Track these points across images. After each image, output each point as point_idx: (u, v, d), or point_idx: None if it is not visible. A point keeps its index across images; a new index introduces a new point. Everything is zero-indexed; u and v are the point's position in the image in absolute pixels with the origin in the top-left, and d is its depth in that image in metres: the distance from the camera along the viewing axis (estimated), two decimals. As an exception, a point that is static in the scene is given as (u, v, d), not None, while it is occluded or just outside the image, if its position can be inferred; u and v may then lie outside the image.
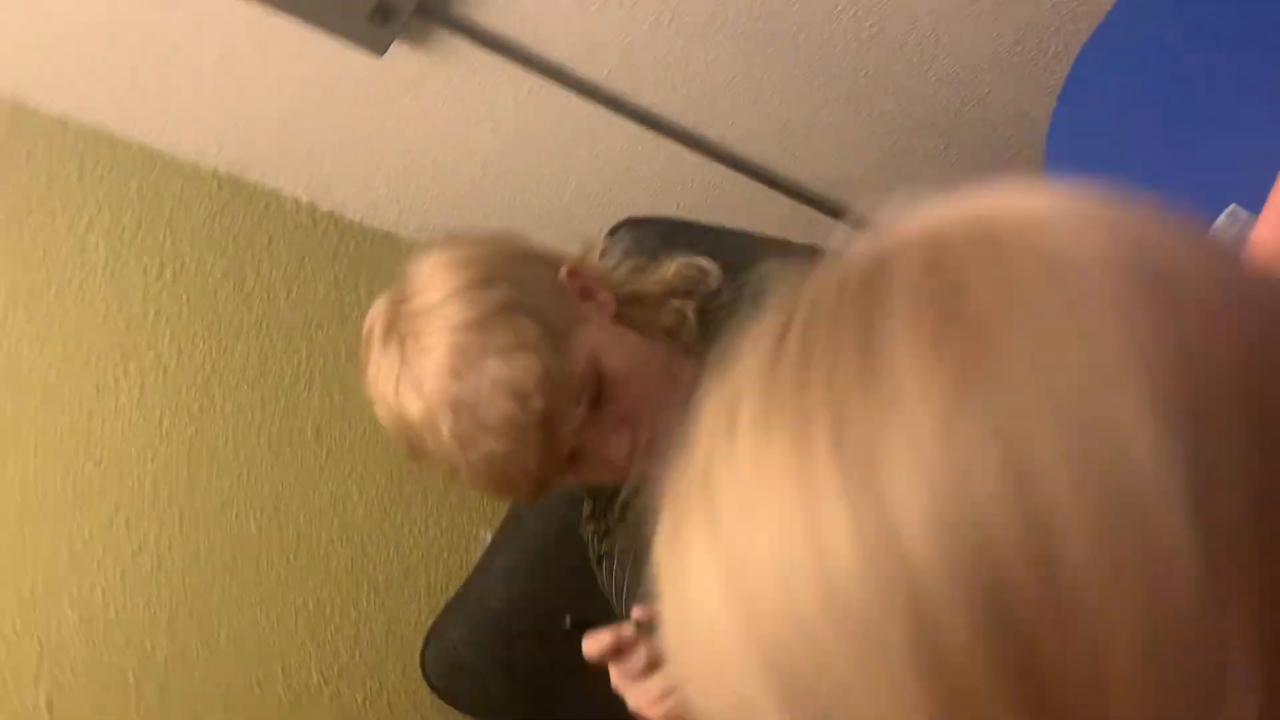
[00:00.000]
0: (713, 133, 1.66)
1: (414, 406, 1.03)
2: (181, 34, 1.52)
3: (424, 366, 1.03)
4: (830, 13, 1.53)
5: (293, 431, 1.69)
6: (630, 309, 1.15)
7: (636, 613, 1.04)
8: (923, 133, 1.71)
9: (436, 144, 1.66)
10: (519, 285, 1.07)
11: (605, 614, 1.54)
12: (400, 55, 1.52)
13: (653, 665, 1.02)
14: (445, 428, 1.02)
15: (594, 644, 1.04)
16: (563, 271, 1.12)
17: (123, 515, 1.57)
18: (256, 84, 1.60)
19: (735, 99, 1.62)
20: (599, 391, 1.06)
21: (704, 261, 1.26)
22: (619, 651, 1.04)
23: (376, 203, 1.77)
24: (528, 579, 1.55)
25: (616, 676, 1.05)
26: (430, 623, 1.63)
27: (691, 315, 1.20)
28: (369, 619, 1.69)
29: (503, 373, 1.02)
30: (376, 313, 1.09)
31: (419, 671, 1.61)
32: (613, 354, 1.08)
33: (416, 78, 1.56)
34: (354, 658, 1.67)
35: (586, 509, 1.29)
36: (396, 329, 1.06)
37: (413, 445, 1.07)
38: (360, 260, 1.79)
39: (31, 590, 1.49)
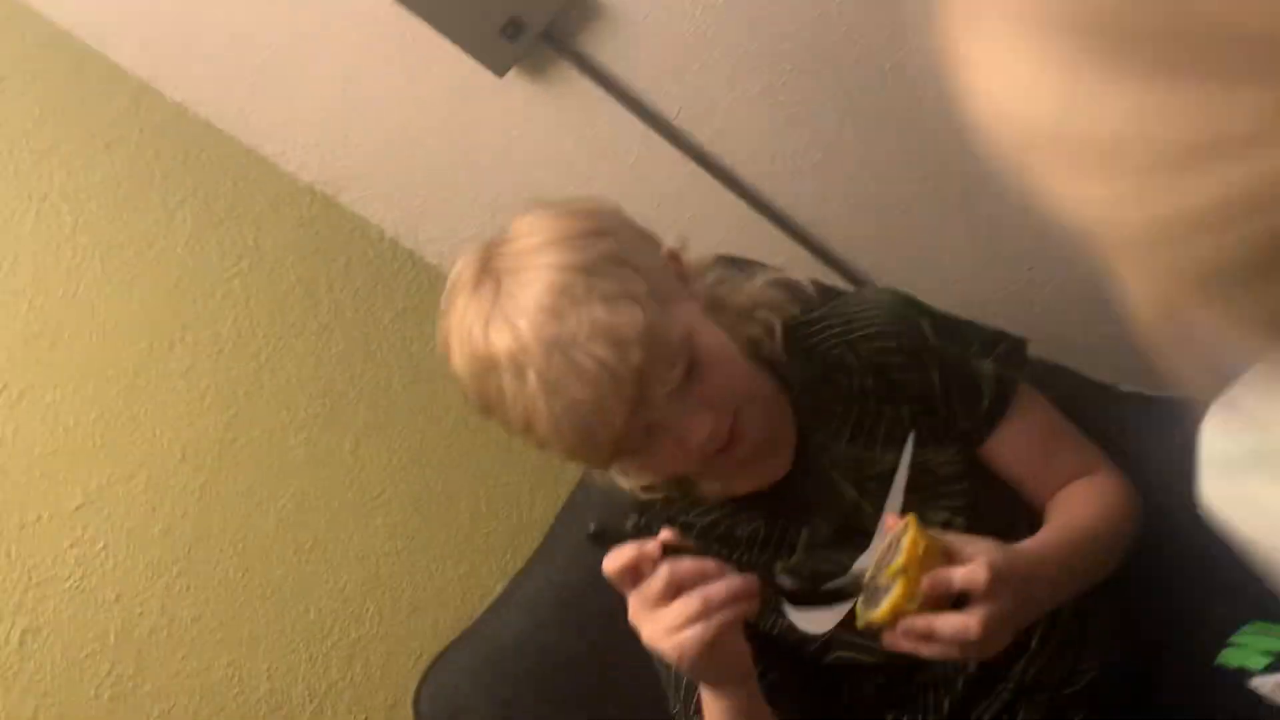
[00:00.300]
0: (802, 216, 1.70)
1: (503, 343, 1.00)
2: (311, 44, 1.60)
3: (522, 301, 1.00)
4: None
5: (331, 441, 1.65)
6: (717, 314, 1.13)
7: (665, 534, 0.97)
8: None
9: (535, 184, 1.70)
10: (626, 243, 1.06)
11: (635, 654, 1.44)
12: (518, 80, 1.58)
13: (672, 591, 0.95)
14: (534, 369, 0.99)
15: (614, 559, 0.97)
16: (664, 250, 1.13)
17: (145, 473, 1.52)
18: (373, 103, 1.67)
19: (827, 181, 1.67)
20: (689, 369, 1.04)
21: (798, 281, 1.26)
22: (638, 572, 0.97)
23: (456, 249, 1.80)
24: (550, 614, 1.45)
25: (634, 605, 0.98)
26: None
27: (779, 330, 1.19)
28: (368, 643, 1.59)
29: (606, 318, 0.99)
30: (467, 259, 1.08)
31: (409, 709, 1.49)
32: (707, 336, 1.07)
33: (529, 105, 1.62)
34: (344, 679, 1.56)
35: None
36: (492, 268, 1.04)
37: (487, 395, 1.04)
38: (429, 302, 1.80)
39: (36, 520, 1.43)
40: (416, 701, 1.49)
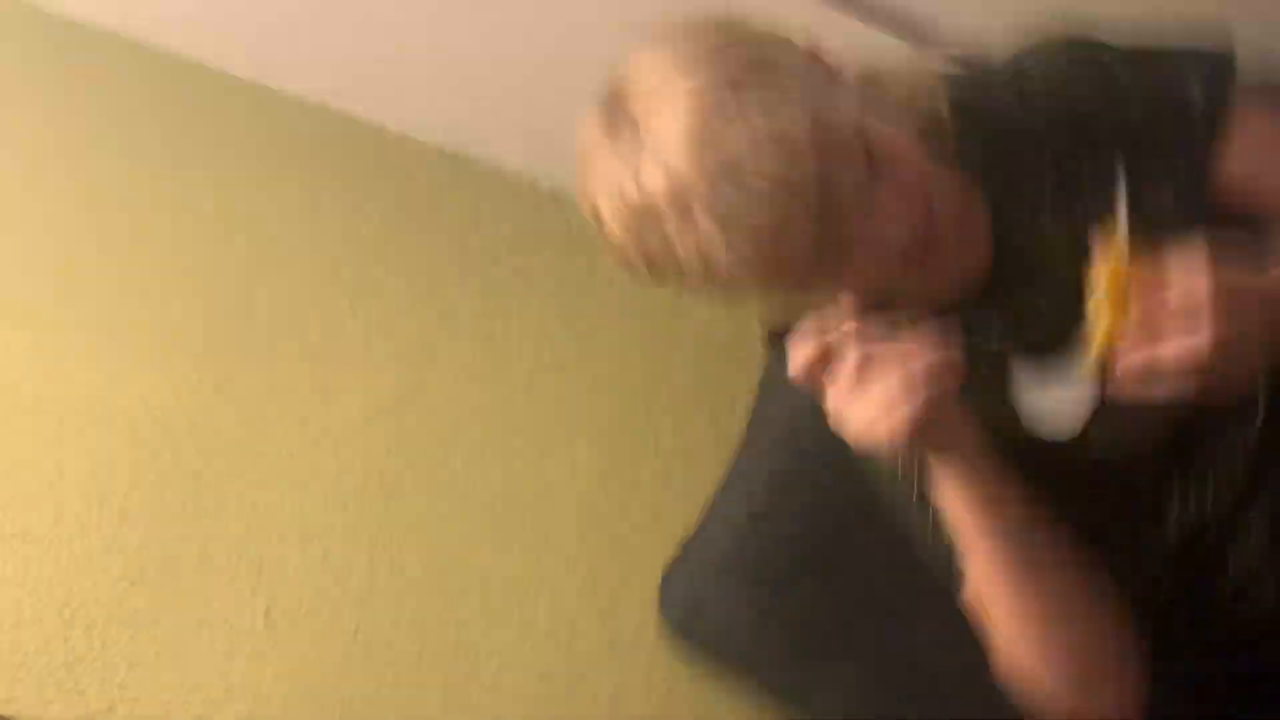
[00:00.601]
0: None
1: (659, 186, 0.91)
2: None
3: (669, 136, 0.91)
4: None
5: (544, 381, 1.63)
6: (878, 108, 1.01)
7: (849, 324, 0.89)
8: None
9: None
10: (763, 48, 0.96)
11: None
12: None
13: (871, 372, 0.87)
14: (701, 205, 0.90)
15: (801, 352, 0.89)
16: (803, 48, 1.02)
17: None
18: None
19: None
20: (870, 167, 0.93)
21: (937, 56, 1.14)
22: (829, 362, 0.87)
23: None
24: (776, 476, 1.37)
25: (832, 399, 0.89)
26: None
27: (946, 113, 1.07)
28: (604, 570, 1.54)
29: (768, 126, 0.90)
30: (592, 116, 0.98)
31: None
32: (878, 126, 0.96)
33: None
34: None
35: None
36: (624, 113, 0.95)
37: (651, 253, 0.95)
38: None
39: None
40: (661, 610, 1.43)
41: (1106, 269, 0.86)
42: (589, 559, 1.61)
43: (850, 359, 0.87)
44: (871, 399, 0.86)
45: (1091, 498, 1.05)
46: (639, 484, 1.65)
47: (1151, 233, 1.05)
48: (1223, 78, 1.07)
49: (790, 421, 1.39)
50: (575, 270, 1.70)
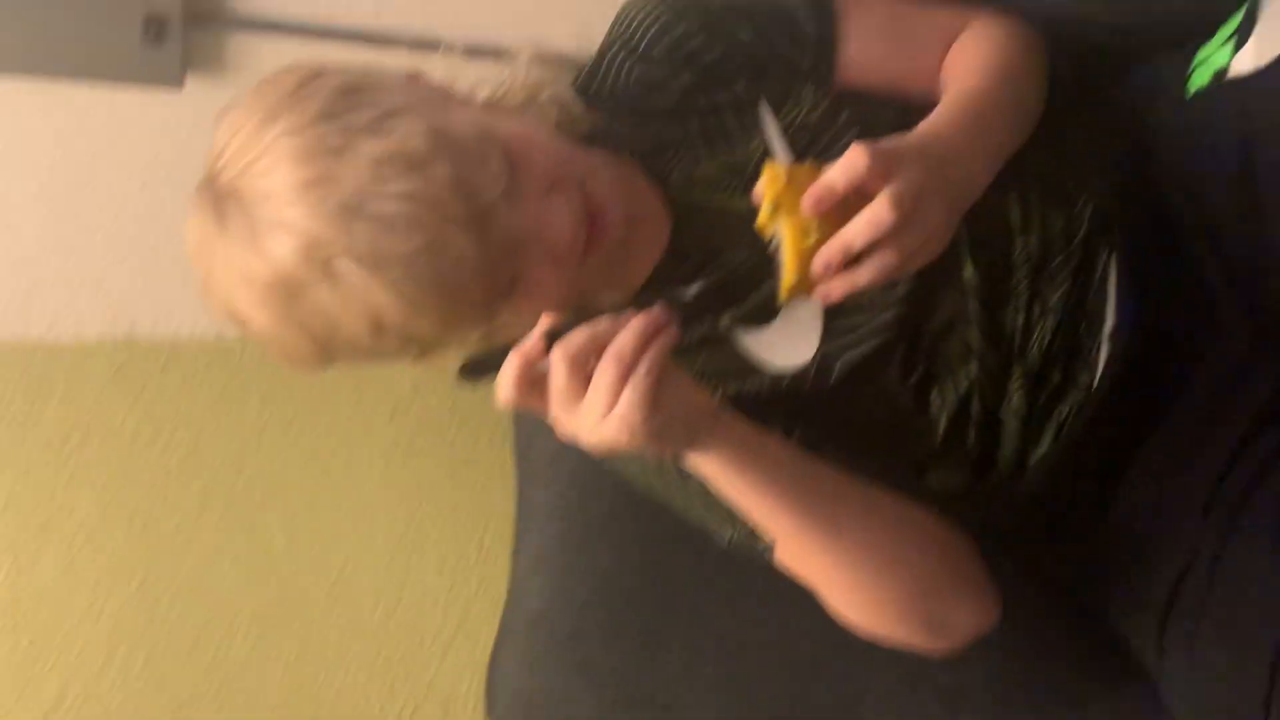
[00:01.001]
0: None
1: (286, 250, 0.80)
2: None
3: (278, 193, 0.80)
4: None
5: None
6: (502, 113, 0.95)
7: (538, 328, 0.79)
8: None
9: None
10: (353, 74, 0.86)
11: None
12: (199, 82, 1.40)
13: (579, 373, 0.76)
14: (340, 254, 0.79)
15: (505, 378, 0.78)
16: (401, 73, 0.94)
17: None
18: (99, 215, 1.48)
19: None
20: (508, 166, 0.85)
21: (549, 49, 1.08)
22: (534, 378, 0.78)
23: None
24: (560, 561, 1.26)
25: (556, 416, 0.79)
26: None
27: (571, 98, 1.02)
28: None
29: (381, 145, 0.80)
30: (193, 210, 0.86)
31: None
32: (504, 125, 0.88)
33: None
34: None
35: None
36: (223, 191, 0.83)
37: (313, 330, 0.83)
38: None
39: None
40: (489, 711, 1.30)
41: (769, 178, 0.81)
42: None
43: (558, 365, 0.78)
44: (592, 400, 0.76)
45: (853, 419, 1.00)
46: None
47: (814, 143, 1.02)
48: None
49: (551, 467, 1.30)
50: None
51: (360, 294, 0.81)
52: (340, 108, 0.82)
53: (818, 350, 0.98)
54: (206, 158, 0.87)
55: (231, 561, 1.45)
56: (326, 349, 0.86)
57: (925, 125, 0.91)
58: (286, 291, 0.82)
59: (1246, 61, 0.85)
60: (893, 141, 0.83)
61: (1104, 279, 0.99)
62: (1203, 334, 0.98)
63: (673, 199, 1.01)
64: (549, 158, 0.89)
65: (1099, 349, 0.99)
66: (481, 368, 0.85)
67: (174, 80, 1.37)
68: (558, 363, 0.76)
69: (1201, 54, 0.92)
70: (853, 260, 0.80)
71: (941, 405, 0.99)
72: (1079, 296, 0.99)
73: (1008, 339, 0.99)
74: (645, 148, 1.02)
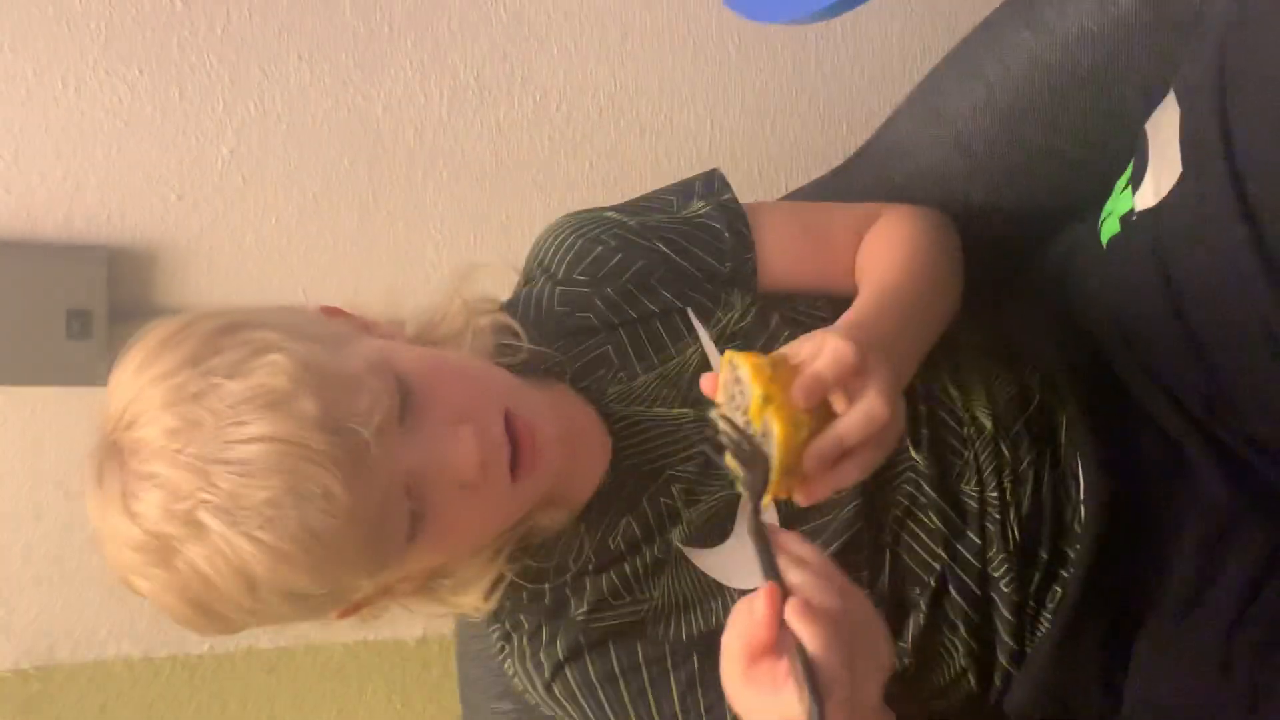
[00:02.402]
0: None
1: (151, 506, 0.75)
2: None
3: (147, 444, 0.76)
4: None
5: None
6: (433, 344, 0.94)
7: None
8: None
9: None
10: (238, 313, 0.84)
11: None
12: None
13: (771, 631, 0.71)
14: (198, 506, 0.74)
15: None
16: (312, 310, 0.93)
17: None
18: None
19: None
20: (404, 402, 0.81)
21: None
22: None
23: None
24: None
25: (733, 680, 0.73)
26: None
27: (505, 323, 1.00)
28: None
29: (240, 386, 0.76)
30: (87, 481, 0.82)
31: None
32: (407, 358, 0.85)
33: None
34: None
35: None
36: (106, 449, 0.80)
37: (191, 592, 0.77)
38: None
39: None
40: None
41: (750, 369, 0.76)
42: None
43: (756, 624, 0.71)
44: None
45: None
46: None
47: (746, 349, 1.01)
48: (720, 188, 1.07)
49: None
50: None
51: (224, 548, 0.75)
52: (207, 351, 0.78)
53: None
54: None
55: None
56: (212, 614, 0.79)
57: (850, 316, 0.89)
58: (159, 553, 0.77)
59: (1148, 197, 0.86)
60: (852, 326, 0.83)
61: (1070, 442, 0.97)
62: (1176, 482, 0.95)
63: (610, 415, 0.99)
64: (462, 386, 0.86)
65: (1076, 515, 0.95)
66: None
67: (99, 377, 1.34)
68: (761, 622, 0.71)
69: (1107, 208, 0.94)
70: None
71: (921, 593, 0.94)
72: (1046, 464, 0.96)
73: (974, 517, 0.95)
74: (577, 367, 1.00)
